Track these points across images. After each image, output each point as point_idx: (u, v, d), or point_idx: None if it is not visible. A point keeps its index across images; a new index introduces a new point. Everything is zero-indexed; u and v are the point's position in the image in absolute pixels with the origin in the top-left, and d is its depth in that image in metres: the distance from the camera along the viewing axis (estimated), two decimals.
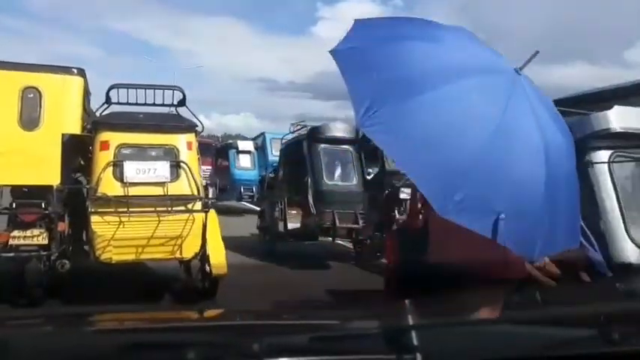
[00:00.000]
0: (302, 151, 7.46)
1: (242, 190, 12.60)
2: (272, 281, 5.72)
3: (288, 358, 1.13)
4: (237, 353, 1.16)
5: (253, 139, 14.10)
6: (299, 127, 8.45)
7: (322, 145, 7.36)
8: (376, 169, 7.99)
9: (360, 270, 7.19)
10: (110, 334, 1.41)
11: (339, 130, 7.57)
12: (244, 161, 13.06)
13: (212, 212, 5.06)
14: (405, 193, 6.48)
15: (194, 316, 1.92)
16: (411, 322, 1.15)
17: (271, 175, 12.69)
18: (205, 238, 4.85)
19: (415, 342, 1.10)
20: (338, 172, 7.49)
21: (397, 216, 6.67)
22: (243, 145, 13.45)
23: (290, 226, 7.33)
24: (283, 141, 8.82)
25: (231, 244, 6.41)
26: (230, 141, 14.57)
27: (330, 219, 6.97)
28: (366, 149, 7.40)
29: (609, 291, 2.64)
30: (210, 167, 13.66)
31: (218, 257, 4.91)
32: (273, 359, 1.11)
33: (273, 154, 12.44)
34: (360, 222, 7.04)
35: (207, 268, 4.92)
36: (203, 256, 4.92)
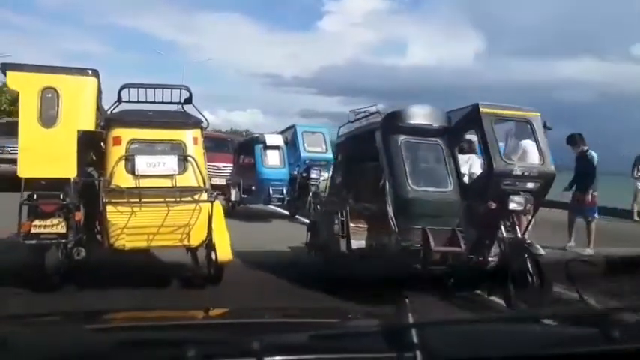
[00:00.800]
0: (373, 146, 5.61)
1: (270, 191, 10.97)
2: None
3: (288, 356, 1.14)
4: (237, 351, 1.15)
5: (281, 133, 12.12)
6: (362, 114, 6.32)
7: (403, 137, 5.40)
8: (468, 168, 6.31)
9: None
10: (110, 331, 1.45)
11: (425, 116, 5.53)
12: (273, 158, 11.08)
13: (217, 203, 5.42)
14: (515, 203, 5.12)
15: (194, 314, 1.96)
16: (411, 320, 1.15)
17: (303, 174, 11.12)
18: (211, 226, 5.23)
19: (415, 340, 1.11)
20: (427, 173, 5.63)
21: (504, 234, 5.22)
22: (271, 139, 11.32)
23: (355, 244, 5.69)
24: (341, 132, 6.88)
25: (260, 260, 5.97)
26: (256, 135, 12.42)
27: (420, 238, 5.04)
28: (457, 141, 5.73)
29: None
30: (230, 165, 12.93)
31: (223, 245, 5.27)
32: (273, 357, 1.11)
33: (306, 149, 11.39)
34: (462, 243, 5.05)
35: (214, 255, 5.28)
36: (209, 243, 5.30)
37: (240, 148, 12.81)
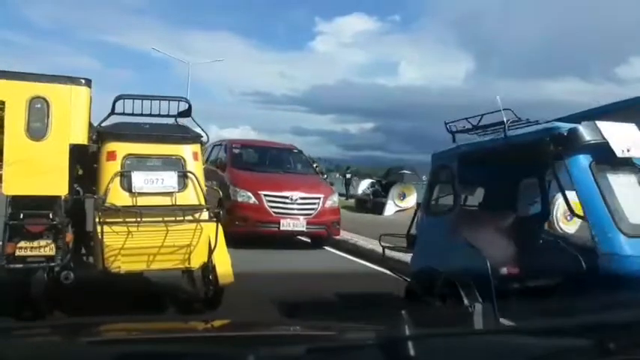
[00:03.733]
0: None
1: None
2: None
3: None
4: None
5: None
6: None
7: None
8: None
9: None
10: (103, 344, 1.41)
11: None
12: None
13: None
14: None
15: (189, 327, 1.94)
16: (408, 332, 1.13)
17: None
18: (211, 247, 4.90)
19: (412, 352, 1.10)
20: None
21: None
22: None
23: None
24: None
25: None
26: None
27: None
28: None
29: None
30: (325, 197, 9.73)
31: (224, 266, 4.94)
32: None
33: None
34: None
35: (213, 277, 4.95)
36: (209, 265, 4.96)
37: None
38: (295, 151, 11.63)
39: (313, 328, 1.79)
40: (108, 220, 4.53)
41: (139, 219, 4.52)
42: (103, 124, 5.12)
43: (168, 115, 5.21)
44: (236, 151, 10.85)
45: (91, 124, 5.26)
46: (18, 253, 4.39)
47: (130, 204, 4.58)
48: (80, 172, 5.32)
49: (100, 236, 4.52)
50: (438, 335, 1.30)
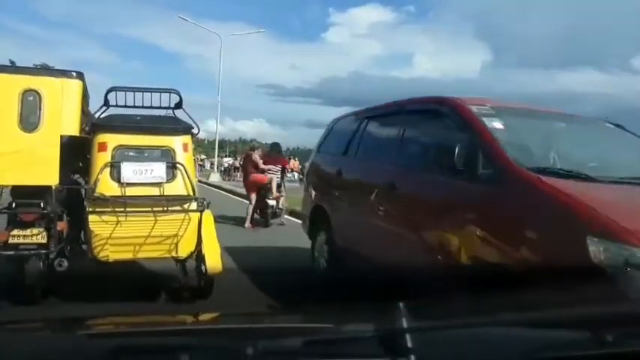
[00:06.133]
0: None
1: None
2: None
3: None
4: (230, 357, 1.16)
5: None
6: None
7: None
8: None
9: None
10: (100, 337, 1.41)
11: None
12: None
13: (208, 213, 5.16)
14: None
15: (186, 319, 1.93)
16: (405, 324, 1.14)
17: None
18: (201, 237, 4.97)
19: (410, 345, 1.10)
20: None
21: None
22: None
23: None
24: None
25: None
26: None
27: None
28: None
29: None
30: None
31: (213, 257, 5.00)
32: None
33: None
34: None
35: (203, 267, 5.02)
36: (199, 255, 5.03)
37: None
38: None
39: (311, 320, 1.78)
40: (97, 209, 4.64)
41: (126, 209, 4.62)
42: (98, 116, 5.24)
43: (161, 107, 5.30)
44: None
45: (88, 116, 5.40)
46: (11, 240, 4.56)
47: (119, 194, 4.67)
48: (81, 163, 5.48)
49: (89, 225, 4.64)
50: (436, 328, 1.30)
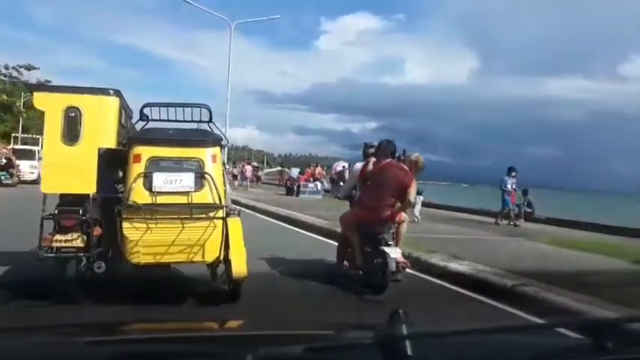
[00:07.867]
0: None
1: None
2: None
3: None
4: None
5: None
6: None
7: None
8: None
9: None
10: (104, 345, 1.44)
11: None
12: None
13: (236, 219, 5.43)
14: None
15: (188, 326, 1.97)
16: (404, 331, 1.14)
17: None
18: (227, 243, 5.23)
19: (409, 352, 1.10)
20: None
21: None
22: None
23: None
24: None
25: None
26: None
27: None
28: None
29: None
30: None
31: (239, 262, 5.26)
32: None
33: None
34: None
35: (230, 272, 5.27)
36: (226, 260, 5.30)
37: None
38: None
39: (311, 328, 1.82)
40: (129, 216, 5.00)
41: (156, 216, 4.95)
42: (134, 130, 5.65)
43: (192, 121, 5.65)
44: None
45: (128, 130, 5.82)
46: (54, 244, 4.99)
47: (150, 202, 5.02)
48: (121, 174, 5.90)
49: (122, 231, 5.01)
50: (435, 334, 1.30)
